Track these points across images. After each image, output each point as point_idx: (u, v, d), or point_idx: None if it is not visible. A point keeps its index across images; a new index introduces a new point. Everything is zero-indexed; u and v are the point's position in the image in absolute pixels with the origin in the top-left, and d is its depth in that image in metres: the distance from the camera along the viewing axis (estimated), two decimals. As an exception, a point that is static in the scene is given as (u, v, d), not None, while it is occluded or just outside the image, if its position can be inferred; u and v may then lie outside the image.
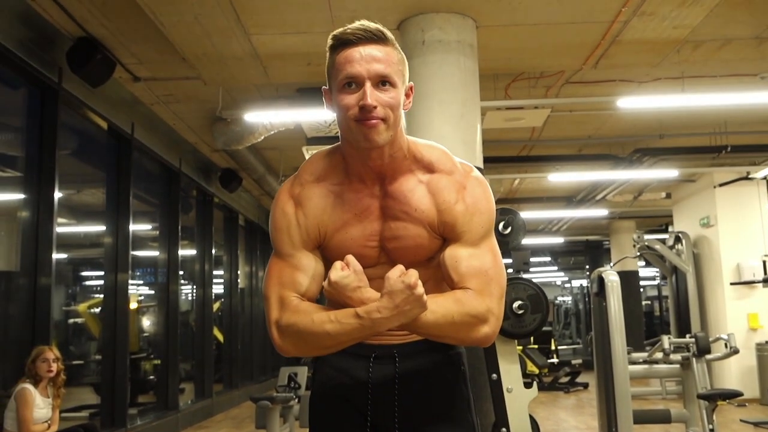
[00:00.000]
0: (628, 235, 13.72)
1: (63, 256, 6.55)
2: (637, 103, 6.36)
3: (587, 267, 18.52)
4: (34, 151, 5.20)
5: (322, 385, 1.65)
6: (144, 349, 8.63)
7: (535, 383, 4.03)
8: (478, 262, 1.51)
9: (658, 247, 9.98)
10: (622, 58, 5.67)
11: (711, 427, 5.08)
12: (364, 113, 1.42)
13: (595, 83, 6.42)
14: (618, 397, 4.12)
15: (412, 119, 4.64)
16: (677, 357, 5.89)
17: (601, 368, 4.45)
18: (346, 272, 1.40)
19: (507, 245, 4.00)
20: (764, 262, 8.96)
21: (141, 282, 9.03)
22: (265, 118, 6.47)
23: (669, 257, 9.99)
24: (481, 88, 4.97)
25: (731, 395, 5.37)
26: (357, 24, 1.47)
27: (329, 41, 1.50)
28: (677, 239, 9.98)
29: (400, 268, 1.39)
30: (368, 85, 1.43)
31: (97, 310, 7.22)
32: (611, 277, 4.26)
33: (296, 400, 6.28)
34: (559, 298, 23.22)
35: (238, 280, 11.47)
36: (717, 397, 5.16)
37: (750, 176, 9.10)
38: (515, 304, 3.88)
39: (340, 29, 1.48)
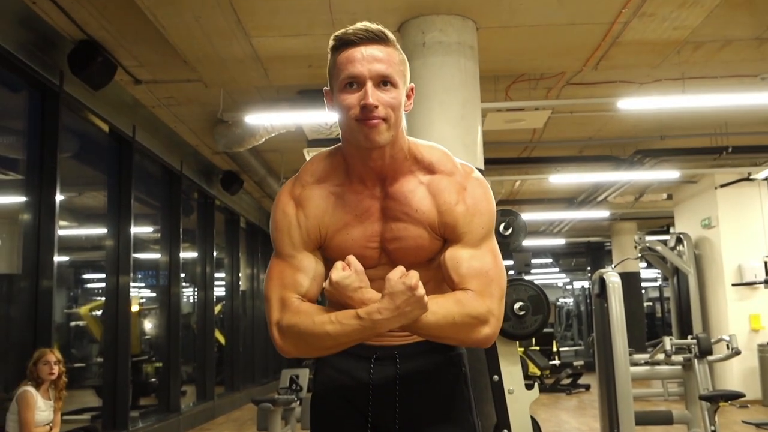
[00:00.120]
0: (629, 237, 13.72)
1: (65, 258, 6.56)
2: (638, 104, 6.37)
3: (589, 268, 18.51)
4: (36, 154, 5.20)
5: (324, 386, 1.66)
6: (145, 351, 8.63)
7: (536, 385, 4.03)
8: (478, 263, 1.51)
9: (659, 248, 9.97)
10: (622, 60, 5.67)
11: (713, 428, 5.07)
12: (365, 113, 1.42)
13: (596, 84, 6.42)
14: (620, 399, 4.12)
15: (412, 121, 4.65)
16: (679, 358, 5.88)
17: (602, 370, 4.45)
18: (348, 272, 1.40)
19: (508, 246, 4.00)
20: (766, 263, 8.94)
21: (142, 284, 9.04)
22: (266, 121, 6.47)
23: (670, 258, 9.98)
24: (481, 89, 4.97)
25: (733, 396, 5.37)
26: (359, 25, 1.47)
27: (331, 42, 1.50)
28: (678, 240, 9.97)
29: (401, 269, 1.39)
30: (369, 84, 1.43)
31: (99, 312, 7.23)
32: (612, 278, 4.26)
33: (298, 402, 6.28)
34: (561, 300, 23.20)
35: (240, 283, 11.47)
36: (719, 399, 5.16)
37: (751, 177, 9.10)
38: (516, 306, 3.88)
39: (342, 30, 1.48)
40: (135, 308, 7.65)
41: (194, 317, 9.64)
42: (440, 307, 1.44)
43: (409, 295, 1.35)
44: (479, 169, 4.53)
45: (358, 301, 1.39)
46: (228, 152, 7.56)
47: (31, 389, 4.15)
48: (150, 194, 8.09)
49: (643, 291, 17.96)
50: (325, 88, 1.56)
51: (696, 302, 9.67)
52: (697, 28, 5.12)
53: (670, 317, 11.39)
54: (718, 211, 9.46)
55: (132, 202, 6.68)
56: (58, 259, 5.20)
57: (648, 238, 10.34)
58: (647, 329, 16.45)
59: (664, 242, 10.23)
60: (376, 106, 1.42)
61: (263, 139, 6.76)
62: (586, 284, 19.89)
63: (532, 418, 3.97)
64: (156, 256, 8.22)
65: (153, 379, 8.29)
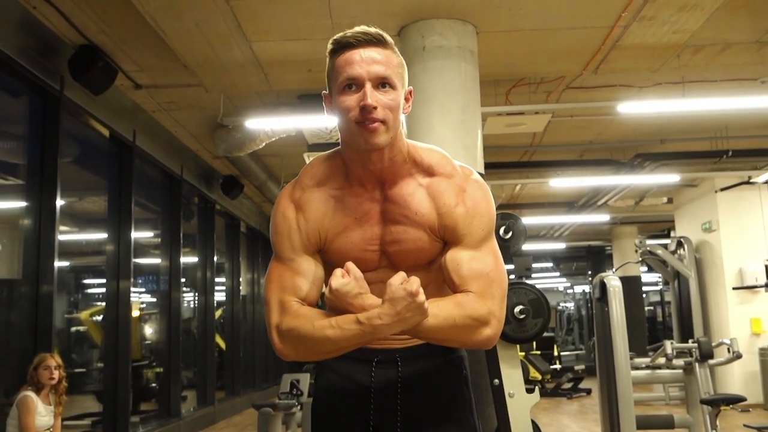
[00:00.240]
0: (630, 241, 13.70)
1: (65, 263, 6.57)
2: (638, 108, 6.37)
3: (589, 273, 18.50)
4: (36, 159, 5.21)
5: (325, 390, 1.66)
6: (146, 356, 8.63)
7: (537, 388, 4.02)
8: (479, 264, 1.51)
9: (660, 252, 9.97)
10: (622, 63, 5.68)
11: (714, 432, 5.07)
12: (364, 114, 1.42)
13: (596, 88, 6.43)
14: (621, 403, 4.11)
15: (412, 125, 4.65)
16: (680, 362, 5.87)
17: (603, 374, 4.45)
18: (347, 279, 1.40)
19: (508, 250, 4.00)
20: (766, 267, 8.94)
21: (143, 289, 9.04)
22: (266, 125, 6.48)
23: (671, 262, 9.98)
24: (481, 93, 4.98)
25: (734, 400, 5.35)
26: (357, 28, 1.48)
27: (329, 46, 1.50)
28: (679, 244, 9.97)
29: (402, 275, 1.39)
30: (368, 86, 1.43)
31: (99, 317, 7.22)
32: (613, 282, 4.26)
33: (298, 407, 6.26)
34: (562, 304, 23.18)
35: (240, 287, 11.47)
36: (720, 402, 5.15)
37: (751, 180, 9.09)
38: (516, 309, 3.87)
39: (340, 33, 1.48)
40: (135, 313, 7.65)
41: (195, 322, 9.63)
42: (441, 310, 1.44)
43: (410, 301, 1.35)
44: (479, 173, 4.54)
45: (359, 307, 1.39)
46: (228, 157, 7.56)
47: (31, 394, 4.14)
48: (150, 199, 8.10)
49: (645, 295, 17.95)
50: (324, 92, 1.56)
51: (697, 306, 9.66)
52: (697, 31, 5.12)
53: (671, 321, 11.38)
54: (718, 215, 9.45)
55: (132, 207, 6.68)
56: (58, 264, 5.20)
57: (648, 242, 10.33)
58: (649, 333, 16.43)
59: (665, 246, 10.22)
60: (375, 107, 1.42)
61: (263, 144, 6.77)
62: (586, 288, 19.88)
63: (533, 422, 3.96)
64: (156, 260, 8.22)
65: (153, 384, 8.28)
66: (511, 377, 3.90)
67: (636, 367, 6.17)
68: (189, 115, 7.03)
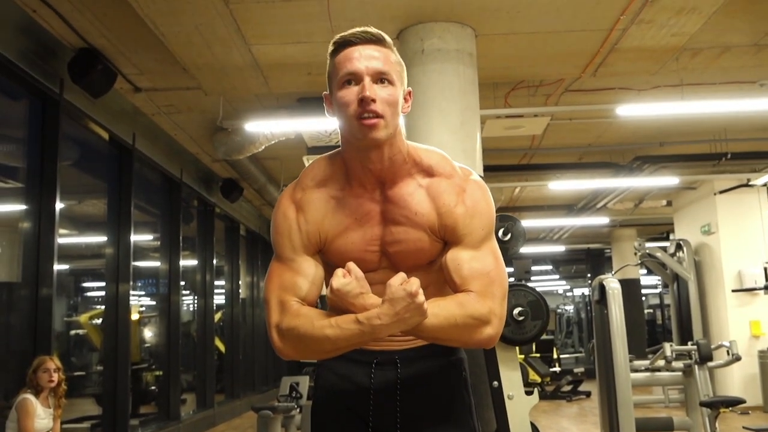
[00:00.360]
0: (629, 243, 13.69)
1: (64, 266, 6.56)
2: (637, 110, 6.38)
3: (589, 275, 18.50)
4: (36, 162, 5.21)
5: (324, 391, 1.66)
6: (145, 359, 8.62)
7: (536, 390, 4.02)
8: (479, 264, 1.52)
9: (659, 254, 9.97)
10: (621, 66, 5.68)
11: (714, 434, 5.06)
12: (363, 106, 1.44)
13: (595, 91, 6.44)
14: (620, 405, 4.11)
15: (411, 127, 4.66)
16: (679, 364, 5.87)
17: (603, 376, 4.45)
18: (348, 279, 1.40)
19: (506, 252, 4.00)
20: (765, 269, 8.93)
21: (142, 292, 9.03)
22: (265, 128, 6.48)
23: (670, 265, 9.98)
24: (480, 96, 4.98)
25: (734, 402, 5.36)
26: (356, 28, 1.50)
27: (330, 47, 1.53)
28: (678, 247, 9.97)
29: (402, 275, 1.39)
30: (367, 80, 1.45)
31: (99, 320, 7.22)
32: (612, 284, 4.26)
33: (298, 410, 6.27)
34: (561, 307, 23.15)
35: (240, 290, 11.47)
36: (720, 405, 5.15)
37: (750, 183, 9.10)
38: (515, 311, 3.88)
39: (340, 34, 1.51)
40: (135, 316, 7.64)
41: (194, 325, 9.63)
42: (442, 310, 1.44)
43: (409, 302, 1.36)
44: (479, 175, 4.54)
45: (360, 307, 1.40)
46: (228, 160, 7.57)
47: (30, 397, 4.14)
48: (150, 202, 8.10)
49: (644, 298, 17.94)
50: (324, 92, 1.57)
51: (696, 308, 9.66)
52: (695, 34, 5.13)
53: (671, 324, 11.37)
54: (717, 218, 9.46)
55: (132, 210, 6.68)
56: (57, 267, 5.20)
57: (648, 244, 10.34)
58: (648, 336, 16.42)
59: (664, 249, 10.22)
60: (374, 100, 1.44)
61: (263, 147, 6.77)
62: (586, 291, 19.88)
63: (532, 424, 3.96)
64: (156, 264, 8.22)
65: (153, 387, 8.28)
66: (510, 379, 3.90)
67: (635, 370, 6.16)
68: (188, 118, 7.04)
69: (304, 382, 6.49)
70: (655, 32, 5.06)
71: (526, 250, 14.12)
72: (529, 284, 4.22)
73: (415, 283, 1.37)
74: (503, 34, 5.01)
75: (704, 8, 4.71)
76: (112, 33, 5.11)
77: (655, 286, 20.66)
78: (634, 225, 14.07)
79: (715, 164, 8.50)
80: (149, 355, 8.68)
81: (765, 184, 9.05)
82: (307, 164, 6.90)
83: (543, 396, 10.71)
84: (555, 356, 13.45)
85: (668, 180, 8.93)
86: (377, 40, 1.50)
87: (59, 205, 5.26)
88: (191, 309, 9.71)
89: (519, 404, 3.88)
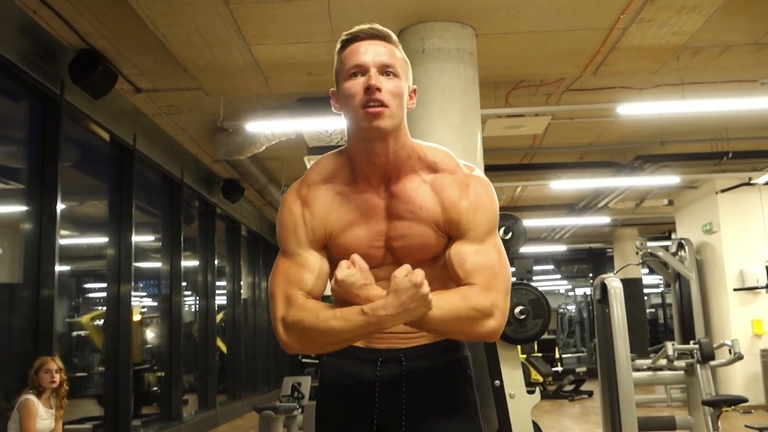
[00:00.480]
0: (630, 243, 13.68)
1: (66, 268, 6.57)
2: (638, 109, 6.38)
3: (590, 275, 18.49)
4: (37, 163, 5.21)
5: (329, 388, 1.67)
6: (147, 360, 8.63)
7: (537, 389, 4.02)
8: (483, 258, 1.53)
9: (661, 254, 9.96)
10: (621, 65, 5.68)
11: (716, 433, 5.06)
12: (369, 95, 1.47)
13: (596, 90, 6.44)
14: (622, 405, 4.11)
15: (412, 127, 4.59)
16: (681, 363, 5.87)
17: (605, 376, 4.44)
18: (353, 270, 1.42)
19: (508, 251, 3.98)
20: (767, 268, 8.93)
21: (144, 293, 9.04)
22: (266, 128, 6.48)
23: (672, 264, 9.97)
24: (481, 96, 4.98)
25: (736, 401, 5.35)
26: (363, 25, 1.55)
27: (337, 45, 1.56)
28: (680, 246, 9.97)
29: (406, 267, 1.41)
30: (373, 70, 1.49)
31: (100, 321, 7.22)
32: (614, 283, 4.25)
33: (300, 410, 6.27)
34: (563, 307, 23.13)
35: (241, 291, 11.47)
36: (722, 404, 5.15)
37: (752, 182, 9.10)
38: (517, 310, 3.87)
39: (348, 31, 1.55)
40: (136, 317, 7.65)
41: (196, 326, 9.63)
42: (446, 302, 1.45)
43: (414, 292, 1.37)
44: (479, 175, 4.53)
45: (364, 298, 1.41)
46: (228, 160, 7.57)
47: (32, 397, 4.15)
48: (151, 203, 8.10)
49: (646, 298, 17.92)
50: (331, 89, 1.60)
51: (698, 308, 9.65)
52: (696, 33, 5.13)
53: (673, 323, 11.37)
54: (719, 217, 9.45)
55: (133, 211, 6.68)
56: (59, 268, 5.20)
57: (649, 243, 10.33)
58: (650, 336, 16.40)
59: (666, 248, 10.21)
60: (379, 89, 1.47)
61: (264, 147, 6.78)
62: (588, 291, 19.86)
63: (534, 423, 3.96)
64: (157, 264, 8.22)
65: (155, 388, 8.28)
66: (512, 378, 3.90)
67: (637, 369, 6.15)
68: (189, 118, 7.04)
69: (306, 383, 6.50)
70: (656, 31, 5.06)
71: (527, 249, 14.12)
72: (531, 284, 4.22)
73: (420, 274, 1.38)
74: (504, 33, 5.01)
75: (705, 7, 4.71)
76: (113, 34, 5.11)
77: (657, 286, 20.66)
78: (635, 224, 14.07)
79: (717, 163, 8.49)
80: (151, 355, 8.68)
81: (766, 183, 9.04)
82: (308, 164, 6.92)
83: (545, 396, 10.72)
84: (557, 356, 13.46)
85: (669, 179, 8.93)
86: (383, 37, 1.54)
87: (60, 206, 5.26)
88: (193, 310, 9.72)
89: (521, 403, 3.87)
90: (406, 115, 1.57)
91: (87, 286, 8.42)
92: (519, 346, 4.10)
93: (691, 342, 6.42)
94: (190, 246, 9.12)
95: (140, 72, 5.81)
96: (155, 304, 8.71)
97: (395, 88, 1.50)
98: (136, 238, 6.80)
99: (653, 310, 21.06)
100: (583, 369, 12.24)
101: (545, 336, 11.24)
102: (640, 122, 7.33)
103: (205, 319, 9.46)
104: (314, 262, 1.56)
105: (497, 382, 3.85)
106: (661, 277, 13.71)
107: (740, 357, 6.14)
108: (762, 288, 8.60)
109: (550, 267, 20.76)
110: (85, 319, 7.66)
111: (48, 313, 5.03)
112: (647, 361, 6.64)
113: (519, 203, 11.71)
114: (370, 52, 1.50)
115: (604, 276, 4.40)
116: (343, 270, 1.41)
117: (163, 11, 4.52)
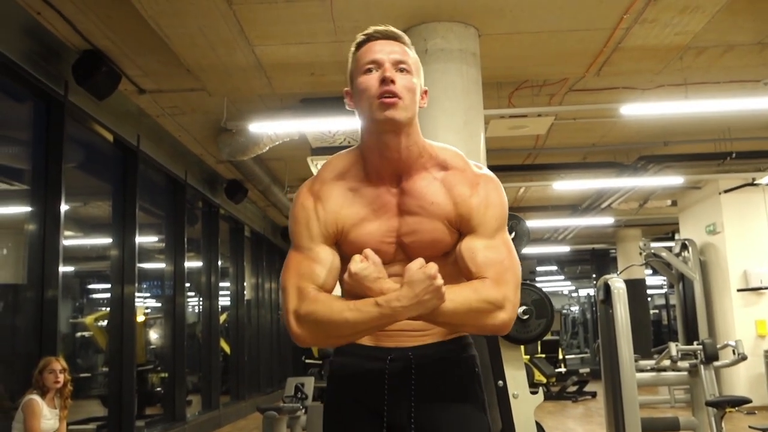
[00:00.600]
0: (634, 243, 13.67)
1: (70, 268, 6.57)
2: (641, 110, 6.37)
3: (594, 276, 18.47)
4: (41, 164, 5.22)
5: (338, 387, 1.67)
6: (151, 361, 8.64)
7: (540, 390, 4.02)
8: (493, 253, 1.56)
9: (664, 254, 9.95)
10: (624, 65, 5.68)
11: (720, 434, 5.04)
12: (384, 86, 1.51)
13: (599, 90, 6.43)
14: (626, 406, 4.10)
15: (415, 128, 4.65)
16: (685, 364, 5.85)
17: (608, 377, 4.43)
18: (366, 264, 1.44)
19: (511, 251, 3.99)
20: (771, 269, 8.93)
21: (147, 294, 9.05)
22: (269, 129, 6.49)
23: (676, 265, 9.95)
24: (484, 96, 4.99)
25: (740, 402, 5.34)
26: (378, 26, 1.60)
27: (352, 47, 1.62)
28: (684, 247, 9.95)
29: (420, 260, 1.44)
30: (388, 65, 1.54)
31: (104, 322, 7.24)
32: (617, 284, 4.24)
33: (303, 411, 6.27)
34: (566, 308, 23.10)
35: (245, 292, 11.48)
36: (726, 404, 5.13)
37: (755, 182, 9.09)
38: (520, 309, 3.87)
39: (362, 32, 1.60)
40: (140, 318, 7.66)
41: (199, 326, 9.64)
42: (457, 295, 1.48)
43: (429, 284, 1.40)
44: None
45: (377, 291, 1.43)
46: (232, 161, 7.58)
47: (36, 398, 4.15)
48: (154, 203, 8.11)
49: (649, 298, 17.89)
50: (345, 89, 1.64)
51: (702, 308, 9.64)
52: (699, 33, 5.12)
53: (676, 324, 11.35)
54: (722, 217, 9.44)
55: (137, 212, 6.70)
56: (63, 269, 5.21)
57: (653, 244, 10.31)
58: (654, 336, 16.39)
59: (669, 248, 10.20)
60: (393, 81, 1.51)
61: (267, 148, 6.78)
62: (591, 292, 19.82)
63: (537, 424, 3.96)
64: (161, 265, 8.24)
65: (158, 389, 8.29)
66: (515, 378, 3.90)
67: (641, 370, 6.14)
68: (193, 119, 7.05)
69: (309, 383, 6.50)
70: (659, 31, 5.05)
71: (530, 250, 14.10)
72: (534, 284, 4.22)
73: (433, 267, 1.41)
74: (506, 33, 5.01)
75: (708, 7, 4.71)
76: (117, 35, 5.12)
77: (660, 286, 20.62)
78: (638, 225, 14.05)
79: (720, 163, 8.48)
80: (155, 356, 8.69)
81: (770, 183, 9.03)
82: (311, 165, 6.89)
83: (548, 397, 10.69)
84: (560, 357, 13.43)
85: (673, 179, 8.92)
86: (397, 38, 1.59)
87: (64, 207, 5.27)
88: (196, 310, 9.73)
89: (524, 403, 3.87)
90: (417, 113, 1.60)
91: (91, 286, 8.43)
92: (522, 347, 4.09)
93: (695, 343, 6.40)
94: (193, 247, 9.13)
95: (144, 73, 5.82)
96: (159, 304, 8.72)
97: (409, 83, 1.54)
98: (140, 239, 6.81)
99: (657, 310, 21.03)
100: (587, 370, 12.20)
101: (548, 337, 11.24)
102: (644, 122, 7.32)
103: (208, 320, 9.47)
104: (326, 256, 1.57)
105: (500, 382, 3.84)
106: (665, 277, 13.68)
107: (744, 358, 6.12)
108: (766, 288, 8.60)
109: (554, 268, 20.74)
110: (89, 319, 7.68)
111: (52, 314, 5.04)
112: (651, 362, 6.63)
113: (522, 204, 11.70)
114: (384, 51, 1.55)
115: (607, 277, 4.39)
116: (357, 263, 1.44)
117: (166, 12, 4.54)
